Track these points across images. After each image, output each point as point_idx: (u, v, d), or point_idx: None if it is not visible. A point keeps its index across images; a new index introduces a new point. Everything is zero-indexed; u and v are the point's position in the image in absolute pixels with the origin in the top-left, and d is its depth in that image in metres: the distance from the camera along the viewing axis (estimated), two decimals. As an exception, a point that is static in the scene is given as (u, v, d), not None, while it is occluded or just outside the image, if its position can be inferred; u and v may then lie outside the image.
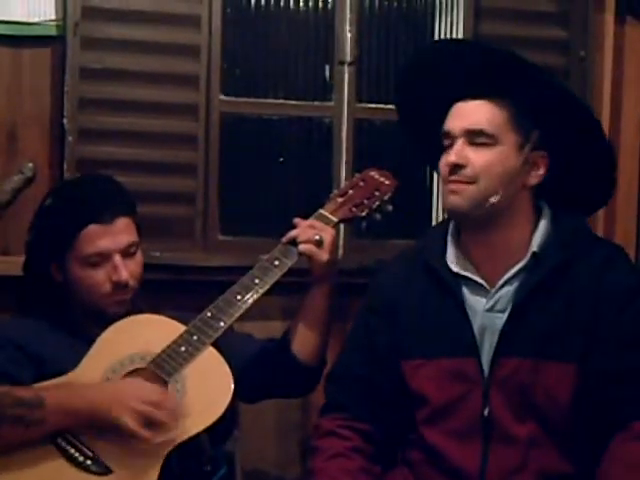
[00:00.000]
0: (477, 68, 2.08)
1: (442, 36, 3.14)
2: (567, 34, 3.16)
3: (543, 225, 2.12)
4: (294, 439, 3.03)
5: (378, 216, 2.43)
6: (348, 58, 3.05)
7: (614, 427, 1.99)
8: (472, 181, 2.06)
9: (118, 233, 2.26)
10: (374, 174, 2.47)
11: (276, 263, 2.28)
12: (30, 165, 2.70)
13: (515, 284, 2.08)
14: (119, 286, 2.25)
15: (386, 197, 2.42)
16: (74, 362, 2.18)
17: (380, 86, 3.11)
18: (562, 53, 3.15)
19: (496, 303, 2.09)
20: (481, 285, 2.10)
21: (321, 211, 2.39)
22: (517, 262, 2.09)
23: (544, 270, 2.06)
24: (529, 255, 2.08)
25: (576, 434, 2.04)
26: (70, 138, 2.82)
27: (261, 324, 2.62)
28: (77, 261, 2.25)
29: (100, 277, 2.25)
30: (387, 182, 2.44)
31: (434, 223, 3.16)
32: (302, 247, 2.28)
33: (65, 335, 2.29)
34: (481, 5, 3.11)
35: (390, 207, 2.43)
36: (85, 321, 2.31)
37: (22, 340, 2.24)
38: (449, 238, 2.17)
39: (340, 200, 2.42)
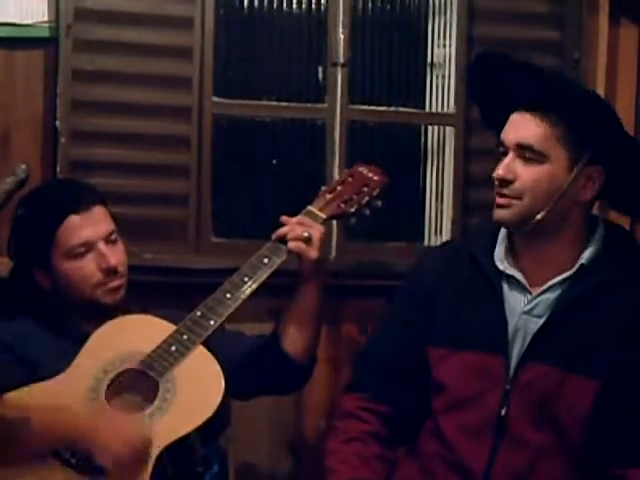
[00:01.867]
0: (532, 82, 2.08)
1: (435, 38, 3.18)
2: (561, 36, 3.19)
3: (595, 240, 2.12)
4: (287, 437, 3.07)
5: (367, 212, 2.43)
6: (341, 60, 3.07)
7: (616, 461, 2.02)
8: (518, 196, 2.07)
9: (98, 221, 2.31)
10: (362, 170, 2.48)
11: (265, 261, 2.29)
12: (23, 167, 2.69)
13: (557, 292, 2.09)
14: (109, 272, 2.29)
15: (375, 193, 2.43)
16: (65, 363, 2.20)
17: (373, 88, 3.15)
18: (556, 55, 3.18)
19: (535, 307, 2.10)
20: (523, 287, 2.12)
21: (309, 208, 2.39)
22: (564, 271, 2.10)
23: (589, 284, 2.07)
24: (577, 266, 2.09)
25: (588, 450, 2.05)
26: (63, 140, 2.86)
27: (252, 326, 2.62)
28: (63, 257, 2.28)
29: (89, 268, 2.28)
30: (376, 178, 2.45)
31: (427, 225, 3.20)
32: (291, 244, 2.30)
33: (54, 338, 2.30)
34: (474, 7, 3.14)
35: (379, 203, 2.43)
36: (78, 321, 2.33)
37: (12, 342, 2.27)
38: (500, 236, 2.18)
39: (329, 196, 2.43)
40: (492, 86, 2.19)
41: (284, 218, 2.36)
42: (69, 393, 2.16)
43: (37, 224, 2.31)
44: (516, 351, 2.10)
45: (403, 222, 3.09)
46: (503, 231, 2.19)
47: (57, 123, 2.85)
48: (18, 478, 2.05)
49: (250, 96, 3.07)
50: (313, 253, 2.30)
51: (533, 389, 2.06)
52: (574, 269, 2.09)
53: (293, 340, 2.35)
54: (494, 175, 2.10)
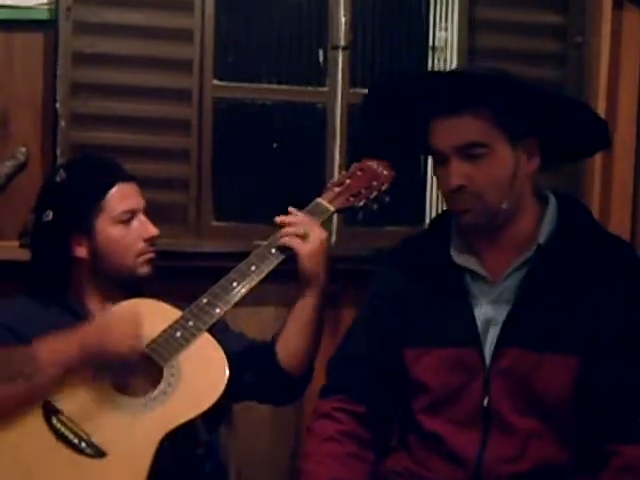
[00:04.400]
0: (451, 87, 2.07)
1: (437, 21, 3.20)
2: (564, 20, 3.20)
3: (549, 217, 2.14)
4: (287, 430, 3.08)
5: (375, 206, 2.46)
6: (342, 43, 3.10)
7: (609, 436, 2.04)
8: (478, 197, 2.07)
9: (138, 194, 2.41)
10: (372, 164, 2.50)
11: (273, 251, 2.32)
12: (23, 150, 2.74)
13: (520, 275, 2.11)
14: (150, 242, 2.38)
15: (384, 187, 2.46)
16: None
17: (374, 71, 3.16)
18: (559, 39, 3.20)
19: (501, 294, 2.12)
20: (484, 277, 2.13)
21: (318, 200, 2.43)
22: (522, 254, 2.11)
23: (549, 263, 2.09)
24: (534, 247, 2.10)
25: (577, 427, 2.08)
26: (63, 123, 2.89)
27: (254, 310, 2.67)
28: (109, 222, 2.35)
29: (132, 235, 2.37)
30: (385, 172, 2.48)
31: (428, 210, 3.23)
32: (284, 239, 2.32)
33: (58, 321, 2.31)
34: (476, -12, 3.16)
35: (387, 198, 2.46)
36: (93, 301, 2.38)
37: (14, 323, 2.30)
38: (453, 229, 2.19)
39: (337, 189, 2.46)
40: (399, 110, 2.20)
41: (290, 210, 2.39)
42: (74, 374, 2.19)
43: (86, 188, 2.36)
44: (490, 340, 2.11)
45: (404, 207, 3.11)
46: (454, 224, 2.20)
47: (57, 106, 2.88)
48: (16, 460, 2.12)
49: (251, 79, 3.10)
50: (305, 248, 2.31)
51: (512, 375, 2.07)
52: (532, 250, 2.11)
53: (287, 350, 2.36)
54: (446, 187, 2.10)
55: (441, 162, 2.10)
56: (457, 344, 2.13)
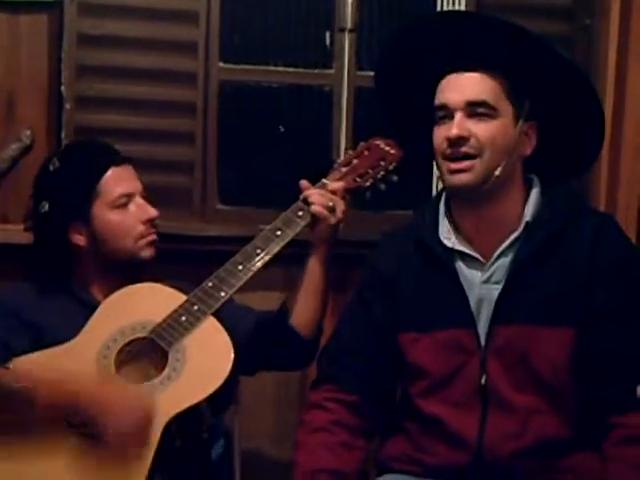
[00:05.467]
0: (469, 40, 2.12)
1: (444, 3, 3.16)
2: (572, 2, 3.18)
3: (534, 196, 2.18)
4: (293, 413, 3.07)
5: (382, 186, 2.48)
6: (349, 25, 3.10)
7: (609, 408, 2.08)
8: (476, 154, 2.10)
9: (134, 177, 2.42)
10: (379, 143, 2.51)
11: (278, 233, 2.34)
12: (28, 132, 2.73)
13: (510, 255, 2.14)
14: (150, 224, 2.39)
15: (391, 167, 2.47)
16: (75, 329, 2.26)
17: (381, 54, 3.18)
18: (567, 21, 3.19)
19: (492, 275, 2.15)
20: (476, 258, 2.17)
21: (324, 181, 2.44)
22: (511, 233, 2.15)
23: (538, 240, 2.12)
24: (522, 225, 2.14)
25: (576, 401, 2.11)
26: (68, 105, 2.90)
27: (261, 294, 2.66)
28: (106, 207, 2.36)
29: (131, 219, 2.37)
30: (392, 151, 2.48)
31: (435, 193, 3.21)
32: (316, 208, 2.35)
33: (62, 306, 2.36)
34: (484, -29, 3.13)
35: (395, 177, 2.47)
36: (93, 287, 2.40)
37: (18, 308, 2.33)
38: (440, 213, 2.22)
39: (344, 170, 2.47)
40: (416, 57, 2.22)
41: (303, 183, 2.42)
42: (79, 360, 2.22)
43: (80, 174, 2.36)
44: (484, 320, 2.14)
45: (410, 190, 3.03)
46: (442, 208, 2.22)
47: (62, 88, 2.89)
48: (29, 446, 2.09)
49: (257, 62, 3.10)
50: (333, 219, 2.36)
51: (507, 352, 2.11)
52: (520, 229, 2.14)
53: (300, 314, 2.40)
54: (445, 137, 2.12)
55: (443, 119, 2.14)
56: (452, 326, 2.16)
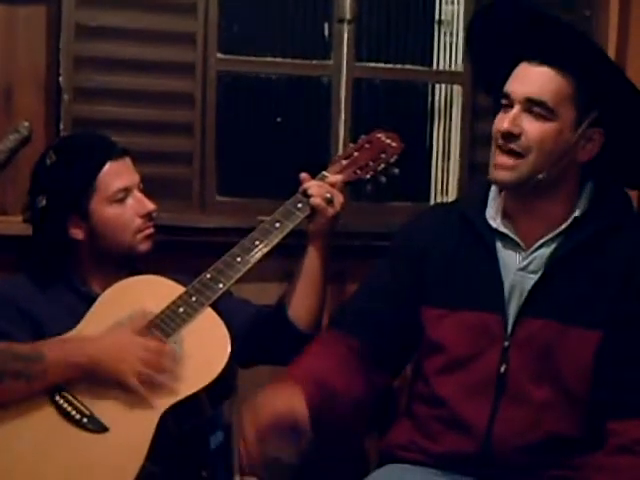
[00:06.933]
0: (550, 35, 2.08)
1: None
2: (571, -7, 3.18)
3: (586, 194, 2.17)
4: None
5: (383, 179, 2.48)
6: (348, 16, 3.10)
7: (612, 413, 2.07)
8: (523, 154, 2.08)
9: (132, 170, 2.42)
10: (381, 136, 2.51)
11: (277, 225, 2.35)
12: (26, 124, 2.73)
13: (552, 247, 2.14)
14: (148, 218, 2.39)
15: (392, 160, 2.47)
16: (73, 322, 2.28)
17: (380, 45, 3.17)
18: (567, 12, 3.18)
19: (530, 263, 2.14)
20: (517, 244, 2.16)
21: (324, 173, 2.45)
22: (558, 226, 2.14)
23: (583, 236, 2.12)
24: (570, 220, 2.13)
25: (592, 402, 2.10)
26: (66, 97, 2.90)
27: (258, 286, 2.67)
28: (104, 202, 2.36)
29: (129, 213, 2.38)
30: (394, 144, 2.49)
31: (433, 184, 3.25)
32: (315, 200, 2.36)
33: (60, 298, 2.38)
34: (484, -36, 3.15)
35: (396, 170, 2.48)
36: (92, 279, 2.41)
37: (17, 299, 2.34)
38: (491, 194, 2.22)
39: (344, 162, 2.48)
40: (499, 34, 2.19)
41: (304, 175, 2.43)
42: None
43: (77, 169, 2.36)
44: (513, 308, 2.14)
45: (409, 182, 3.13)
46: (494, 189, 2.22)
47: (60, 80, 2.89)
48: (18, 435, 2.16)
49: (255, 53, 3.10)
50: (331, 212, 2.37)
51: (532, 344, 2.10)
52: (568, 223, 2.14)
53: (298, 307, 2.41)
54: (497, 128, 2.12)
55: (506, 107, 2.12)
56: (481, 309, 2.16)
